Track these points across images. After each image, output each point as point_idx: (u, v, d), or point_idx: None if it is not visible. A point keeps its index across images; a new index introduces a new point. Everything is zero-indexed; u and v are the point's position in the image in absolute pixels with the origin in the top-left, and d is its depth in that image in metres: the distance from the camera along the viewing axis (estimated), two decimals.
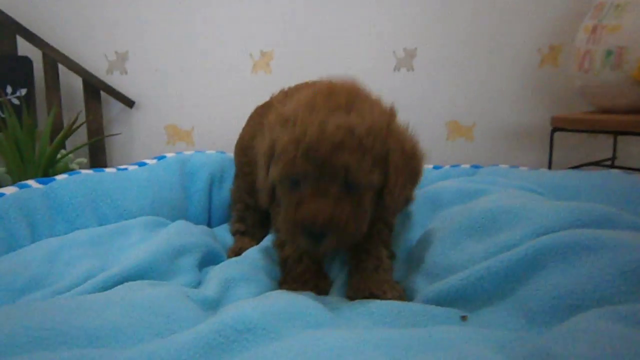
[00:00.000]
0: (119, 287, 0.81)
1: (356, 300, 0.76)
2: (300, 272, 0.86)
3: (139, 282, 0.84)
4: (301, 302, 0.69)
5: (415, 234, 1.05)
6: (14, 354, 0.53)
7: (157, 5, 2.00)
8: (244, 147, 1.18)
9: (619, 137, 1.84)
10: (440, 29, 1.95)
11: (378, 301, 0.74)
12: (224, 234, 1.28)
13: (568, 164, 1.80)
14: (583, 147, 1.92)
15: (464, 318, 0.72)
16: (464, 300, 0.75)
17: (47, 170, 1.56)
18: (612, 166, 1.79)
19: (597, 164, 1.78)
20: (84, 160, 1.75)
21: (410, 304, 0.74)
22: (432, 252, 0.88)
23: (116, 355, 0.54)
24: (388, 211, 0.82)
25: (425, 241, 0.95)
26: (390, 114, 0.80)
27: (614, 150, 1.84)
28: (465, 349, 0.55)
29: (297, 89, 1.04)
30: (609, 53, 1.47)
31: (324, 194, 0.71)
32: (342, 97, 0.76)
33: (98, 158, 1.99)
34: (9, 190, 1.05)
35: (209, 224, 1.39)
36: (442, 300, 0.76)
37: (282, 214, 0.76)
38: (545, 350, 0.55)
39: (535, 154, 1.94)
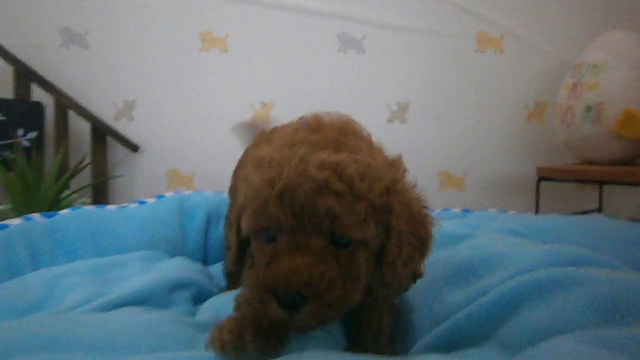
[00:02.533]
0: (118, 309, 0.84)
1: None
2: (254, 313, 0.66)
3: (136, 307, 0.87)
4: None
5: None
6: (19, 356, 0.56)
7: (163, 57, 2.13)
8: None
9: (605, 190, 1.90)
10: (433, 84, 2.07)
11: None
12: (218, 273, 1.31)
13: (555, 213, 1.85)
14: (570, 199, 1.99)
15: None
16: (449, 347, 0.76)
17: (52, 208, 1.61)
18: None
19: (584, 214, 1.83)
20: (87, 200, 1.81)
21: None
22: (418, 305, 0.89)
23: None
24: (388, 290, 0.65)
25: (411, 292, 0.98)
26: (396, 166, 0.65)
27: (600, 201, 1.90)
28: None
29: (277, 129, 0.89)
30: (588, 108, 1.57)
31: (303, 249, 0.56)
32: (331, 133, 0.63)
33: (100, 199, 2.05)
34: (14, 221, 1.10)
35: (205, 261, 1.41)
36: (428, 349, 0.77)
37: (251, 276, 0.60)
38: None
39: (524, 203, 2.00)
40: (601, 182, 1.61)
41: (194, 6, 2.09)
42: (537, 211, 1.71)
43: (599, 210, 1.89)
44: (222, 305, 0.89)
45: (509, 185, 2.04)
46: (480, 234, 1.13)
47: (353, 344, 0.78)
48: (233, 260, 0.70)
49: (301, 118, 0.71)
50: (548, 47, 2.01)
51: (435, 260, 1.00)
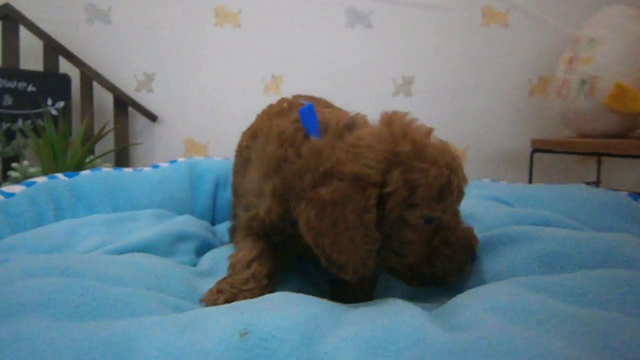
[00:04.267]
0: (125, 254, 0.96)
1: None
2: (245, 278, 0.77)
3: (142, 253, 0.96)
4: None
5: None
6: (35, 277, 0.68)
7: (181, 32, 2.24)
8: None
9: (605, 164, 1.94)
10: (438, 58, 2.12)
11: None
12: (222, 230, 1.42)
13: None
14: (570, 172, 2.03)
15: None
16: (416, 297, 0.83)
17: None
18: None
19: None
20: (109, 165, 1.96)
21: None
22: None
23: (110, 289, 0.69)
24: None
25: None
26: None
27: (598, 174, 1.94)
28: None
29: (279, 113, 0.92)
30: (583, 82, 1.60)
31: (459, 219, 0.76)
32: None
33: (122, 165, 2.20)
34: (40, 179, 1.24)
35: (213, 221, 1.51)
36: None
37: (441, 255, 0.72)
38: (451, 303, 0.69)
39: (526, 176, 2.05)
40: (594, 154, 1.65)
41: None
42: (530, 182, 1.76)
43: (597, 183, 1.93)
44: (221, 257, 0.98)
45: (510, 158, 2.10)
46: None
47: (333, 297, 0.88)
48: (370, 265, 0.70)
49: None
50: (553, 21, 2.02)
51: None
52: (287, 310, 0.60)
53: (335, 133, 0.74)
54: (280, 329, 0.55)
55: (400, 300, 0.72)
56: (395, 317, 0.59)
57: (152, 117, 2.24)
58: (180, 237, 1.10)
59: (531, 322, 0.56)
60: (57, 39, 2.07)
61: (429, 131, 0.74)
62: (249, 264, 0.78)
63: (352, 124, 0.76)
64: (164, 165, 1.53)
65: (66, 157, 1.76)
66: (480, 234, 0.84)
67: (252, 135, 0.97)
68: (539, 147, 1.72)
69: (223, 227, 1.43)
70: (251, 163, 0.91)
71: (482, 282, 0.77)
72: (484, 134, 2.11)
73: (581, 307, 0.61)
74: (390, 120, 0.74)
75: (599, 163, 1.94)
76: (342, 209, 0.66)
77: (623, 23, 1.58)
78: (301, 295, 0.71)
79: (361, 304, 0.71)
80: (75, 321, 0.58)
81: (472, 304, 0.62)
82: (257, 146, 0.90)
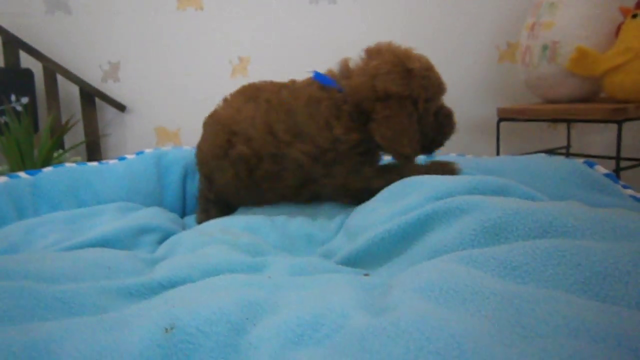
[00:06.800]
0: (78, 250, 0.96)
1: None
2: None
3: (97, 248, 0.95)
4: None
5: None
6: None
7: (142, 18, 2.19)
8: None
9: (577, 129, 1.95)
10: (405, 30, 2.09)
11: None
12: (193, 223, 1.42)
13: (525, 152, 1.91)
14: (541, 138, 2.04)
15: (365, 276, 0.79)
16: (370, 259, 0.86)
17: (45, 167, 1.75)
18: (567, 154, 1.90)
19: (552, 151, 1.89)
20: (79, 159, 1.94)
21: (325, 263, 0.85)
22: (356, 215, 1.01)
23: (47, 289, 0.69)
24: None
25: (358, 207, 1.07)
26: None
27: (568, 139, 1.94)
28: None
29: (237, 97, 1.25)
30: (544, 47, 1.59)
31: None
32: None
33: (94, 158, 2.18)
34: (0, 179, 1.23)
35: (184, 212, 1.51)
36: (353, 259, 0.87)
37: (446, 125, 1.13)
38: (390, 282, 0.70)
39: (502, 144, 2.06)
40: (558, 120, 1.66)
41: None
42: (498, 152, 1.77)
43: (567, 148, 1.94)
44: (177, 242, 0.98)
45: (482, 128, 2.09)
46: None
47: None
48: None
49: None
50: None
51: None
52: (223, 298, 0.61)
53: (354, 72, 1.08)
54: (209, 321, 0.55)
55: (346, 279, 0.73)
56: (328, 300, 0.60)
57: (121, 107, 2.22)
58: (142, 230, 1.10)
59: (455, 301, 0.57)
60: (16, 33, 2.03)
61: (411, 49, 1.06)
62: None
63: (344, 62, 1.16)
64: (131, 157, 1.51)
65: (32, 153, 1.74)
66: (432, 203, 0.85)
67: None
68: (505, 116, 1.72)
69: (192, 219, 1.43)
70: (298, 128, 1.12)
71: (432, 252, 0.77)
72: (454, 104, 2.08)
73: (510, 282, 0.62)
74: (389, 49, 1.05)
75: (569, 128, 1.94)
76: (399, 118, 0.98)
77: None
78: (248, 278, 0.72)
79: (307, 281, 0.72)
80: (3, 326, 0.58)
81: (403, 284, 0.63)
82: (296, 115, 1.12)
